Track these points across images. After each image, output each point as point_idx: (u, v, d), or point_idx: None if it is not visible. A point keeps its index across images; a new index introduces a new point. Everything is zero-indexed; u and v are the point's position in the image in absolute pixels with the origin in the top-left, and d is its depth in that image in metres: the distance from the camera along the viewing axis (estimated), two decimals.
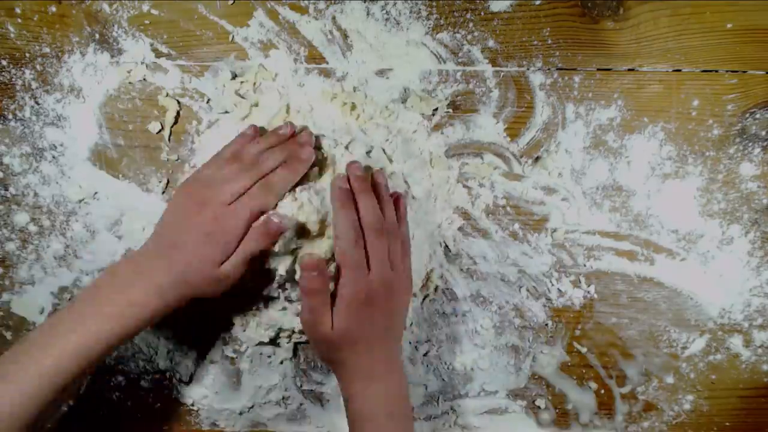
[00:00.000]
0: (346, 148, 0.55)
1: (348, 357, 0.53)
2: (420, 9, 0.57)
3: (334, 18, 0.58)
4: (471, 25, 0.58)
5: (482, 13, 0.58)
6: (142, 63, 0.58)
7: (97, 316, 0.48)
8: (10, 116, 0.59)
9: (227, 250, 0.50)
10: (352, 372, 0.53)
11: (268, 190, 0.51)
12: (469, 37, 0.58)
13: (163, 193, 0.60)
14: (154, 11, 0.57)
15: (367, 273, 0.51)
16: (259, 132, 0.55)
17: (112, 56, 0.58)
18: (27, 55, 0.58)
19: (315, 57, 0.59)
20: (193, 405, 0.65)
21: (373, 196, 0.53)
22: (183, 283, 0.50)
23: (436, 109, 0.59)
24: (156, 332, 0.63)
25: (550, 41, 0.58)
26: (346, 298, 0.51)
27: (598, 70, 0.58)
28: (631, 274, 0.62)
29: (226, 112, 0.59)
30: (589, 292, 0.63)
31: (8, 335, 0.63)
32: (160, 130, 0.59)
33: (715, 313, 0.63)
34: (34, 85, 0.58)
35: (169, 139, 0.60)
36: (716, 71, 0.58)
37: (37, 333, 0.48)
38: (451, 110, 0.59)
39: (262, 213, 0.51)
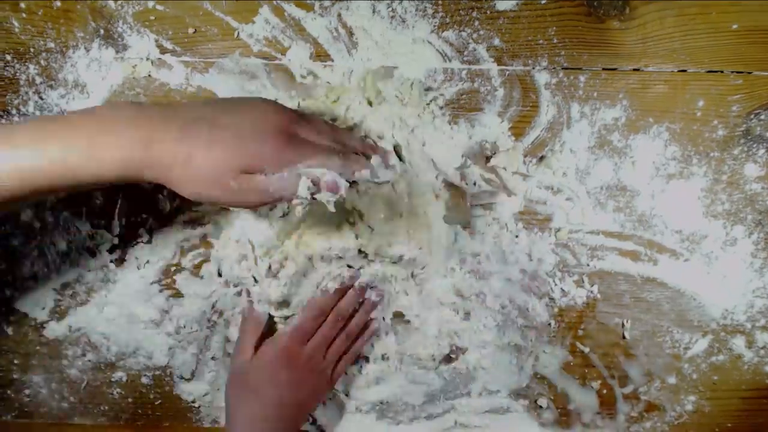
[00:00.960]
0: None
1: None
2: (426, 7, 0.57)
3: (339, 15, 0.58)
4: (477, 23, 0.58)
5: (488, 12, 0.57)
6: (147, 59, 0.58)
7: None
8: (14, 111, 0.58)
9: None
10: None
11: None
12: (475, 35, 0.58)
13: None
14: (159, 7, 0.57)
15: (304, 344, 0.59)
16: None
17: (117, 52, 0.58)
18: (31, 50, 0.57)
19: (320, 54, 0.58)
20: (194, 402, 0.65)
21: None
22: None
23: (428, 104, 0.59)
24: (157, 328, 0.63)
25: (555, 40, 0.58)
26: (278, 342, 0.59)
27: (604, 69, 0.58)
28: (635, 274, 0.62)
29: None
30: (592, 291, 0.62)
31: (9, 331, 0.63)
32: None
33: (717, 314, 0.63)
34: (38, 80, 0.58)
35: None
36: (721, 72, 0.58)
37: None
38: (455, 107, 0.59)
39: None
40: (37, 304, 0.62)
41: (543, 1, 0.57)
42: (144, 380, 0.64)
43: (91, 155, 0.41)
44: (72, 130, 0.42)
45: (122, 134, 0.42)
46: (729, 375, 0.64)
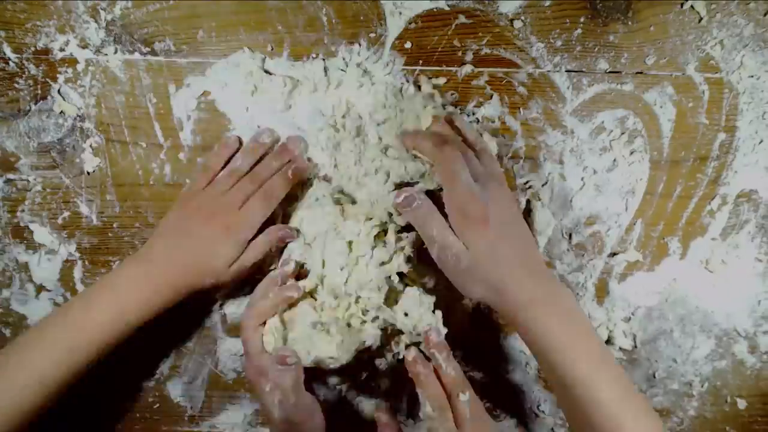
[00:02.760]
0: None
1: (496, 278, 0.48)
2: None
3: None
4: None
5: (491, 15, 0.57)
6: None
7: (89, 323, 0.51)
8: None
9: (239, 250, 0.55)
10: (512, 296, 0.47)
11: (270, 197, 0.56)
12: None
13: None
14: (153, 6, 0.57)
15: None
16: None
17: (115, 52, 0.58)
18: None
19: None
20: (191, 407, 0.64)
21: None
22: (193, 274, 0.54)
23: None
24: (157, 334, 0.62)
25: (559, 43, 0.58)
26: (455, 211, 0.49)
27: (607, 72, 0.58)
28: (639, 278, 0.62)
29: None
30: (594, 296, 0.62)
31: (7, 332, 0.62)
32: None
33: (720, 318, 0.62)
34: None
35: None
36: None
37: (30, 332, 0.51)
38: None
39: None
40: (35, 306, 0.62)
41: (546, 4, 0.57)
42: (143, 384, 0.63)
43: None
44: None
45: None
46: (731, 380, 0.64)
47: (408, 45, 0.58)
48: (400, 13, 0.57)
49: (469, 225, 0.48)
